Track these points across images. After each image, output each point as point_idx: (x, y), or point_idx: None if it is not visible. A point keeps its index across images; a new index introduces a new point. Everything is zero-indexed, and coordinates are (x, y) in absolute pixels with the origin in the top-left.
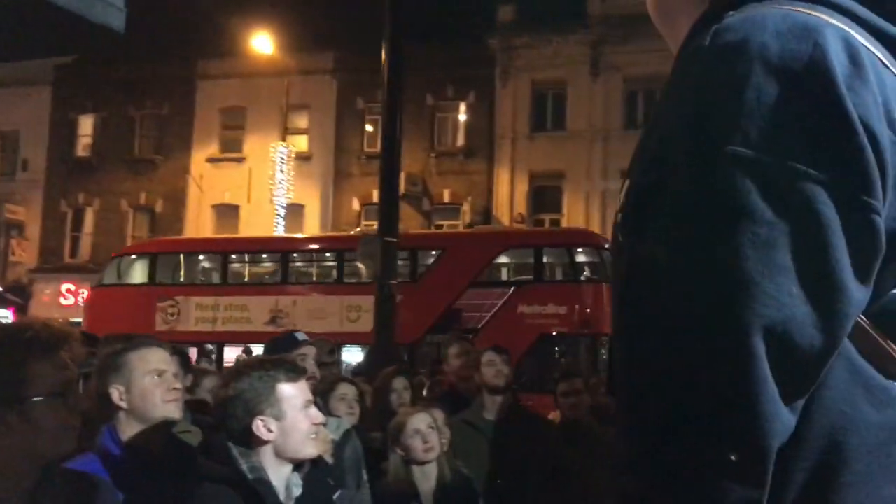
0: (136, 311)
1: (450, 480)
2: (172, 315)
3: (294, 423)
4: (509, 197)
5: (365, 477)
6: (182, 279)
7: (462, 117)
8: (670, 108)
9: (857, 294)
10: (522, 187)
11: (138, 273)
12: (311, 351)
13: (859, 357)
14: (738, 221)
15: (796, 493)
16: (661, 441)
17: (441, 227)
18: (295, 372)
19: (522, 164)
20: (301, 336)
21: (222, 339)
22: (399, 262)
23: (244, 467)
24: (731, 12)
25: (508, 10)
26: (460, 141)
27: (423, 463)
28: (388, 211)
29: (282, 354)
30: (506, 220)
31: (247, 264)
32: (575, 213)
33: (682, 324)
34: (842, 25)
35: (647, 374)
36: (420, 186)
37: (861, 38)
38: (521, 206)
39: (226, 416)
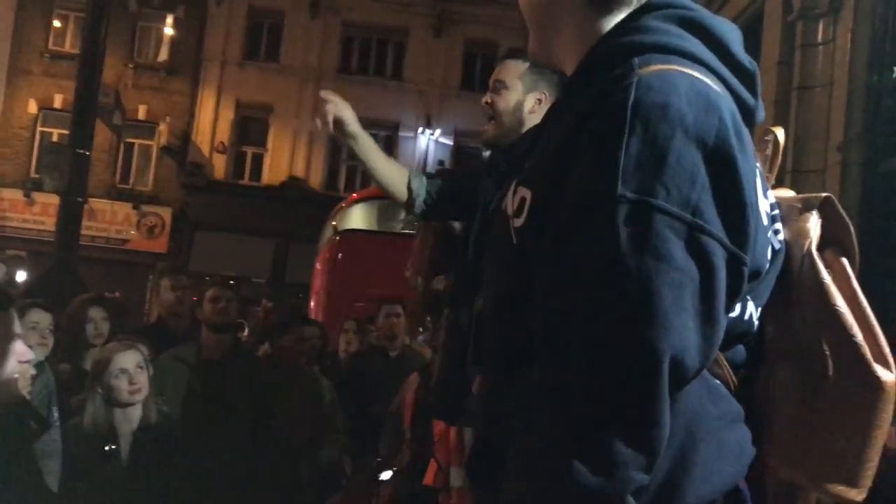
0: None
1: (153, 423)
2: None
3: None
4: (212, 123)
5: (56, 415)
6: None
7: (168, 31)
8: (587, 143)
9: (724, 325)
10: (227, 115)
11: None
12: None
13: None
14: (659, 264)
15: (664, 472)
16: (577, 440)
17: (132, 144)
18: None
19: (229, 92)
20: None
21: None
22: None
23: None
24: (636, 58)
25: None
26: (163, 56)
27: (127, 405)
28: (83, 121)
29: None
30: (205, 147)
31: None
32: (280, 149)
33: (600, 345)
34: (717, 88)
35: (564, 386)
36: (112, 98)
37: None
38: (224, 135)
39: None
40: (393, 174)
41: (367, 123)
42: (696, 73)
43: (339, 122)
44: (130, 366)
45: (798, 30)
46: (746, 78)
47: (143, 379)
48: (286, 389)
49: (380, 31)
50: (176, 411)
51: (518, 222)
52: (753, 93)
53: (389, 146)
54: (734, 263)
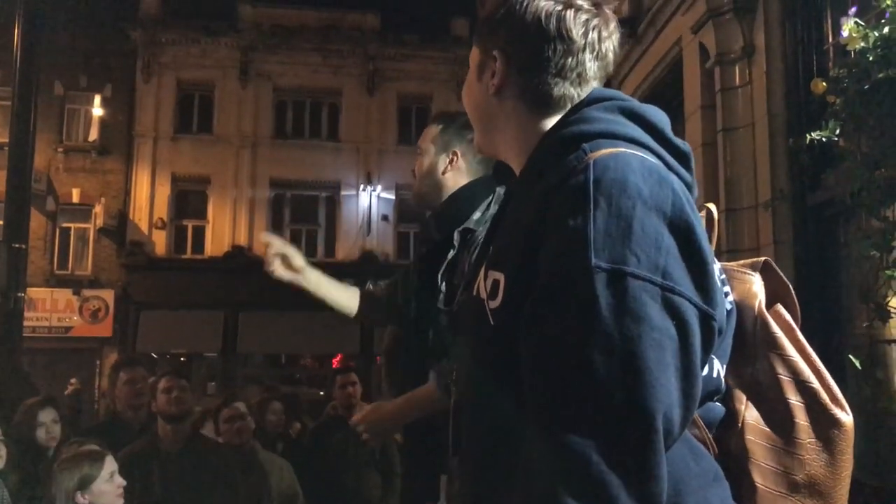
0: None
1: None
2: None
3: None
4: (149, 200)
5: None
6: None
7: (97, 111)
8: (555, 222)
9: (701, 380)
10: (164, 190)
11: None
12: None
13: None
14: (640, 326)
15: None
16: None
17: (68, 229)
18: None
19: (164, 167)
20: None
21: None
22: None
23: None
24: (585, 145)
25: (153, 2)
26: (93, 136)
27: None
28: (16, 213)
29: None
30: (144, 225)
31: None
32: (220, 219)
33: (596, 409)
34: (659, 163)
35: (564, 452)
36: (44, 183)
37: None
38: (162, 211)
39: None
40: (343, 298)
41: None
42: (642, 154)
43: (285, 258)
44: (115, 469)
45: (716, 75)
46: (682, 158)
47: (124, 481)
48: (243, 473)
49: (312, 94)
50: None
51: (494, 304)
52: (689, 171)
53: (331, 206)
54: (705, 320)
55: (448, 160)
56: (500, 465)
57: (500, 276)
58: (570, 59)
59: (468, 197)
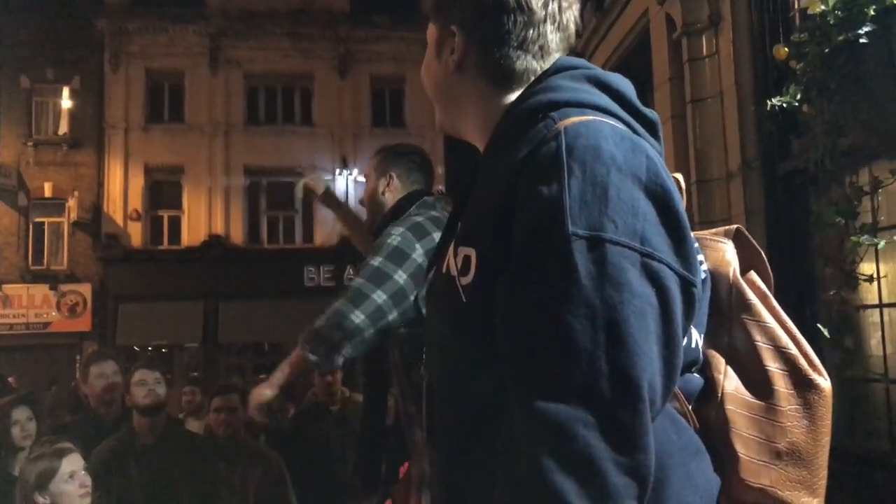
0: None
1: None
2: None
3: None
4: (123, 192)
5: None
6: None
7: (66, 103)
8: (527, 193)
9: (682, 348)
10: (137, 181)
11: None
12: None
13: None
14: (621, 294)
15: None
16: (569, 475)
17: (42, 224)
18: None
19: (137, 157)
20: None
21: None
22: None
23: None
24: (553, 113)
25: None
26: (63, 129)
27: None
28: None
29: None
30: (118, 217)
31: None
32: (196, 208)
33: (580, 379)
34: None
35: (548, 424)
36: (14, 178)
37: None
38: (137, 202)
39: None
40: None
41: (281, 171)
42: (612, 122)
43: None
44: (77, 468)
45: (684, 45)
46: (650, 127)
47: (88, 480)
48: (228, 465)
49: (284, 79)
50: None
51: (465, 280)
52: (658, 140)
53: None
54: (686, 287)
55: (386, 182)
56: (475, 449)
57: (472, 252)
58: (531, 31)
59: (395, 208)
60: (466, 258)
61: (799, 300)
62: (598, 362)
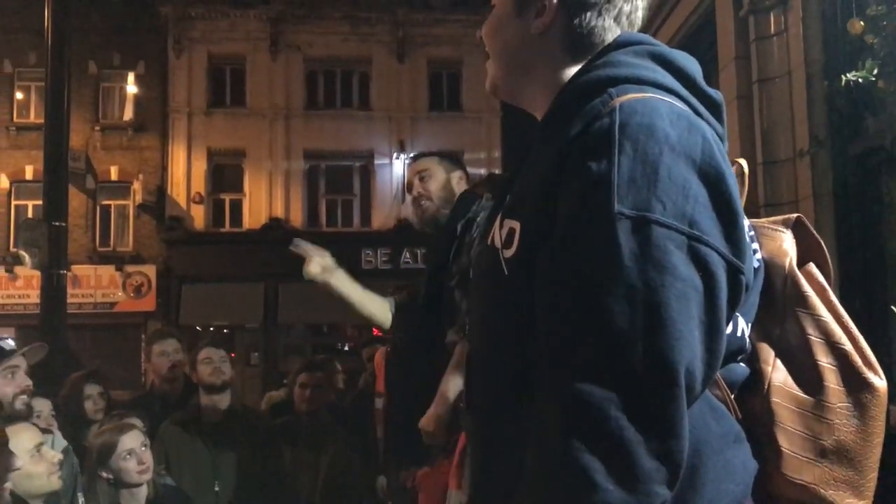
0: None
1: (159, 497)
2: None
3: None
4: (186, 175)
5: (81, 500)
6: None
7: (131, 88)
8: (576, 168)
9: (726, 336)
10: (200, 165)
11: None
12: (21, 363)
13: None
14: (664, 276)
15: (675, 492)
16: (599, 457)
17: (108, 206)
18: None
19: (200, 141)
20: (8, 345)
21: None
22: None
23: None
24: (611, 89)
25: None
26: (129, 114)
27: (136, 485)
28: (54, 192)
29: None
30: (182, 200)
31: None
32: (257, 192)
33: (616, 360)
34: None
35: (582, 404)
36: (82, 162)
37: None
38: (199, 185)
39: None
40: (375, 306)
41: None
42: (671, 100)
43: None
44: (136, 445)
45: (751, 24)
46: (714, 108)
47: (148, 457)
48: (294, 443)
49: (342, 63)
50: (184, 481)
51: (508, 253)
52: (721, 122)
53: (366, 175)
54: (733, 273)
55: (460, 177)
56: (512, 420)
57: (516, 225)
58: (627, 4)
59: (464, 197)
60: (511, 231)
61: (868, 285)
62: (635, 345)
